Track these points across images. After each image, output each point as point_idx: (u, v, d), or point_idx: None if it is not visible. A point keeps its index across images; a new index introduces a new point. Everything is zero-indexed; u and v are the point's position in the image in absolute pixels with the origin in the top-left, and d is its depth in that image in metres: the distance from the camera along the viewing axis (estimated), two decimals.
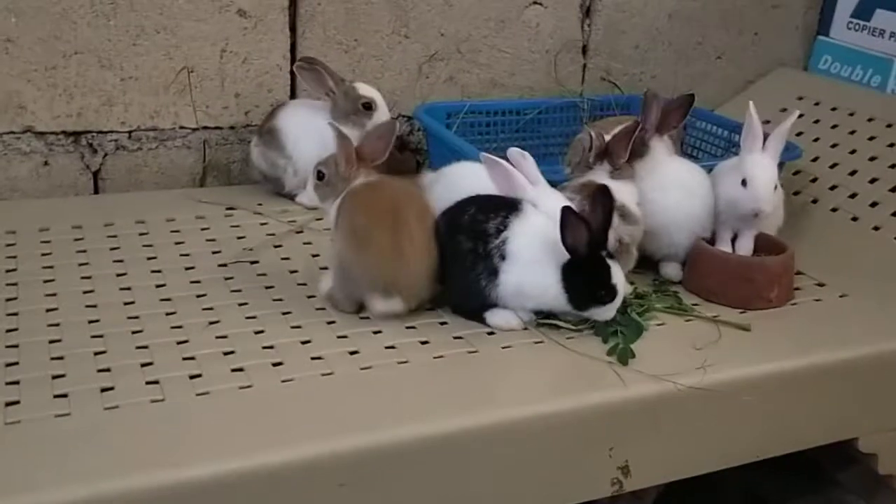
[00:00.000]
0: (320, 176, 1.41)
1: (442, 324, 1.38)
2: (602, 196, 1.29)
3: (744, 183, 1.51)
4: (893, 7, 2.19)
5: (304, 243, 1.64)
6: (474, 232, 1.32)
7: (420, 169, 2.11)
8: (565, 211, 1.25)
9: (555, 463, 1.20)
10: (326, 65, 1.78)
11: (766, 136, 1.57)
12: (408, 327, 1.35)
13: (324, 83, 1.78)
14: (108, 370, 1.19)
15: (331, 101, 1.79)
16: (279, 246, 1.63)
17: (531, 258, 1.30)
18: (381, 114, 1.79)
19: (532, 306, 1.35)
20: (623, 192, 1.46)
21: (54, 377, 1.16)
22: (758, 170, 1.50)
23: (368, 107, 1.79)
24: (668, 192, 1.54)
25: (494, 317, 1.36)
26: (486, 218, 1.33)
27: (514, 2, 2.06)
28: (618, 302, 1.32)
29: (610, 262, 1.30)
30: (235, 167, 1.93)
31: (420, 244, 1.33)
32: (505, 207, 1.34)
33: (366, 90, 1.80)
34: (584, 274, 1.29)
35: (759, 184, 1.49)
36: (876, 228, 1.76)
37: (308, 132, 1.76)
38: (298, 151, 1.77)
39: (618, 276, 1.30)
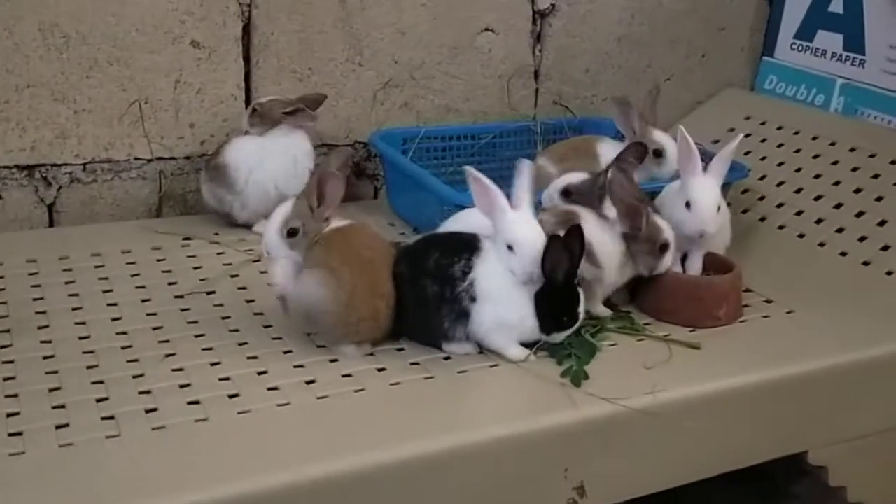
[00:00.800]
0: (292, 233, 1.37)
1: (399, 350, 1.39)
2: (578, 232, 1.32)
3: (688, 205, 1.55)
4: (834, 28, 2.26)
5: (261, 272, 1.65)
6: (441, 276, 1.34)
7: (377, 195, 2.14)
8: (552, 239, 1.28)
9: (512, 484, 1.21)
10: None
11: (711, 157, 1.62)
12: (365, 355, 1.37)
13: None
14: (62, 406, 1.18)
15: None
16: (236, 276, 1.63)
17: (505, 293, 1.32)
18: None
19: (515, 337, 1.36)
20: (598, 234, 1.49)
21: (9, 415, 1.16)
22: (699, 192, 1.55)
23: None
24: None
25: (451, 345, 1.37)
26: (450, 262, 1.34)
27: (467, 28, 2.10)
28: (575, 327, 1.36)
29: (579, 289, 1.34)
30: (191, 197, 1.94)
31: (389, 292, 1.36)
32: (466, 248, 1.35)
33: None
34: (556, 300, 1.32)
35: (702, 206, 1.54)
36: (821, 245, 1.81)
37: (260, 165, 1.78)
38: (250, 186, 1.79)
39: (582, 304, 1.35)
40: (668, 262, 1.52)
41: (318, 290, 1.33)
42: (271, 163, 1.78)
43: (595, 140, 1.97)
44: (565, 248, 1.29)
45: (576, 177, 1.60)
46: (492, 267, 1.34)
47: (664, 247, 1.50)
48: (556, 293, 1.32)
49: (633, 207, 1.47)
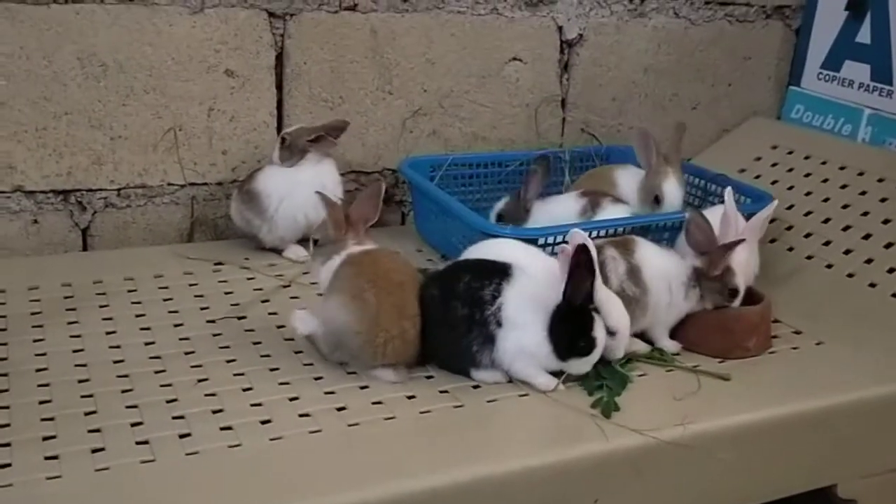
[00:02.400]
0: (315, 242, 1.49)
1: (428, 377, 1.40)
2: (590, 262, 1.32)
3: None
4: (862, 58, 2.26)
5: (292, 297, 1.67)
6: (471, 299, 1.35)
7: (404, 221, 2.16)
8: (575, 270, 1.29)
9: None
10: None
11: (735, 186, 1.63)
12: (402, 381, 1.38)
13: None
14: (98, 430, 1.20)
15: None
16: (266, 301, 1.65)
17: (526, 320, 1.33)
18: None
19: (538, 365, 1.36)
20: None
21: (45, 438, 1.18)
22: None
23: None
24: None
25: (480, 372, 1.38)
26: (480, 285, 1.36)
27: (494, 58, 2.12)
28: (594, 357, 1.34)
29: (595, 314, 1.33)
30: (222, 222, 1.96)
31: (416, 315, 1.37)
32: (497, 273, 1.37)
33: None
34: (569, 322, 1.32)
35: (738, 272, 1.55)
36: (850, 276, 1.80)
37: (290, 195, 1.81)
38: (280, 213, 1.81)
39: (599, 329, 1.33)
40: (735, 304, 1.54)
41: (344, 314, 1.36)
42: (301, 193, 1.80)
43: (614, 168, 1.99)
44: (590, 270, 1.30)
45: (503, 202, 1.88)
46: (520, 293, 1.35)
47: (734, 292, 1.53)
48: (570, 313, 1.32)
49: (717, 252, 1.51)
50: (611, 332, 1.37)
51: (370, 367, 1.37)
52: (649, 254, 1.52)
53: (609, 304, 1.37)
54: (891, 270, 1.77)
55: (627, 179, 1.94)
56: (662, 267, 1.51)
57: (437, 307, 1.39)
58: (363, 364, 1.37)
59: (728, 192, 1.59)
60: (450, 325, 1.37)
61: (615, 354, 1.41)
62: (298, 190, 1.82)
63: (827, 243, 1.91)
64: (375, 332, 1.34)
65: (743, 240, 1.53)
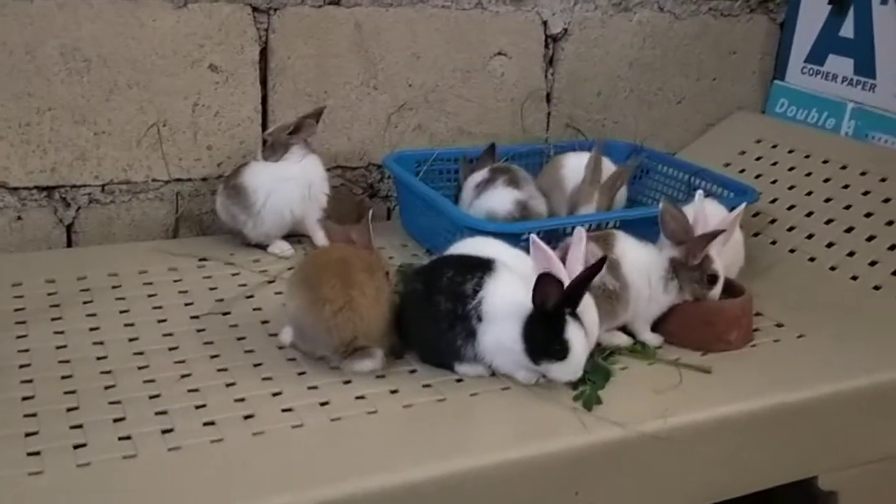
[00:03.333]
0: None
1: (411, 372, 1.41)
2: (598, 263, 1.32)
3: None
4: (845, 52, 2.27)
5: (276, 293, 1.66)
6: (453, 294, 1.35)
7: (390, 216, 2.16)
8: (541, 277, 1.27)
9: None
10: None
11: (719, 181, 1.63)
12: (377, 376, 1.38)
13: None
14: (80, 426, 1.20)
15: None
16: (251, 296, 1.65)
17: (505, 315, 1.33)
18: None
19: (518, 362, 1.35)
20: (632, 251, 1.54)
21: (27, 434, 1.18)
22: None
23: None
24: None
25: (463, 366, 1.39)
26: (463, 279, 1.36)
27: (480, 53, 2.12)
28: (574, 364, 1.30)
29: (571, 318, 1.30)
30: (207, 218, 1.96)
31: (371, 297, 1.36)
32: (480, 268, 1.37)
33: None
34: (542, 325, 1.30)
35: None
36: (832, 269, 1.82)
37: (276, 191, 1.81)
38: (266, 209, 1.81)
39: (575, 333, 1.30)
40: (717, 293, 1.54)
41: (292, 299, 1.40)
42: (287, 188, 1.81)
43: (566, 154, 2.03)
44: (556, 281, 1.28)
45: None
46: (501, 288, 1.35)
47: (713, 278, 1.53)
48: (543, 318, 1.30)
49: (694, 241, 1.51)
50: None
51: (341, 355, 1.36)
52: (628, 248, 1.52)
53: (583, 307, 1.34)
54: (872, 263, 1.79)
55: (573, 161, 1.97)
56: (641, 260, 1.52)
57: (420, 301, 1.39)
58: (329, 347, 1.36)
59: (699, 195, 1.58)
60: (433, 320, 1.37)
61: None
62: (284, 185, 1.82)
63: (810, 236, 1.92)
64: (321, 305, 1.34)
65: (723, 231, 1.53)
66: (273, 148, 1.83)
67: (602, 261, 1.33)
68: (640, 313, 1.52)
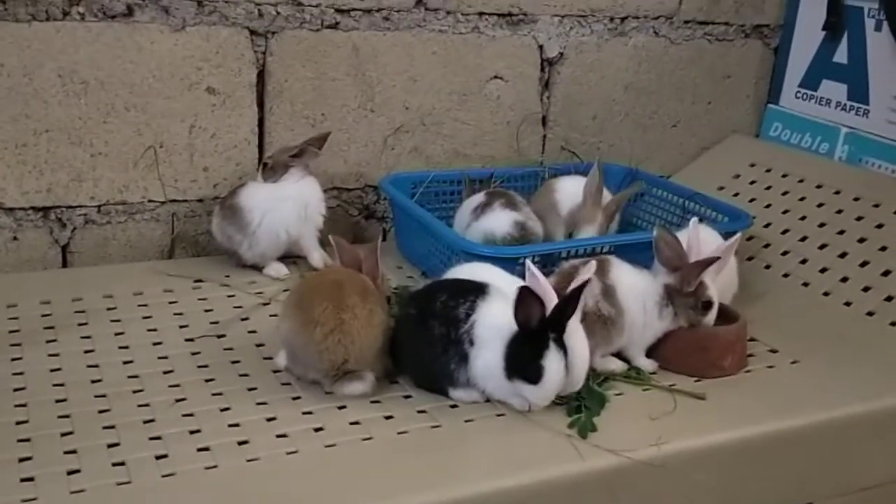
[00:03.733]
0: None
1: (406, 397, 1.41)
2: (579, 288, 1.33)
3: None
4: (839, 78, 2.29)
5: (271, 315, 1.67)
6: (447, 318, 1.35)
7: (385, 237, 2.16)
8: (522, 290, 1.28)
9: None
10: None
11: (712, 204, 1.64)
12: (372, 402, 1.38)
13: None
14: (74, 451, 1.20)
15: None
16: (246, 319, 1.65)
17: (494, 338, 1.33)
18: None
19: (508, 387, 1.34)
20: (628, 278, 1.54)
21: (21, 460, 1.18)
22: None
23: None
24: None
25: (457, 391, 1.39)
26: (456, 303, 1.36)
27: (476, 76, 2.13)
28: (546, 390, 1.30)
29: (554, 345, 1.29)
30: (203, 239, 1.96)
31: (364, 319, 1.37)
32: (473, 292, 1.37)
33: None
34: (523, 345, 1.29)
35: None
36: (826, 294, 1.83)
37: (273, 211, 1.81)
38: (262, 229, 1.81)
39: (553, 360, 1.29)
40: (711, 319, 1.53)
41: (285, 321, 1.40)
42: (284, 209, 1.82)
43: (559, 178, 2.05)
44: (536, 298, 1.28)
45: None
46: (493, 312, 1.35)
47: (707, 304, 1.52)
48: (525, 337, 1.30)
49: (689, 268, 1.51)
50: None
51: (331, 378, 1.36)
52: (623, 274, 1.52)
53: (572, 337, 1.34)
54: (865, 289, 1.79)
55: (564, 185, 1.99)
56: (637, 286, 1.52)
57: (414, 326, 1.39)
58: (320, 370, 1.37)
59: (693, 221, 1.58)
60: (427, 344, 1.37)
61: (569, 388, 1.36)
62: (281, 206, 1.82)
63: (803, 261, 1.93)
64: (312, 328, 1.35)
65: (718, 258, 1.54)
66: (273, 169, 1.84)
67: (583, 285, 1.33)
68: (635, 339, 1.52)
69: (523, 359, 1.30)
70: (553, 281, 1.49)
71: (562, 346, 1.30)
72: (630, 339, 1.52)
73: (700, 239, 1.56)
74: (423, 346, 1.38)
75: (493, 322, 1.33)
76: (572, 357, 1.32)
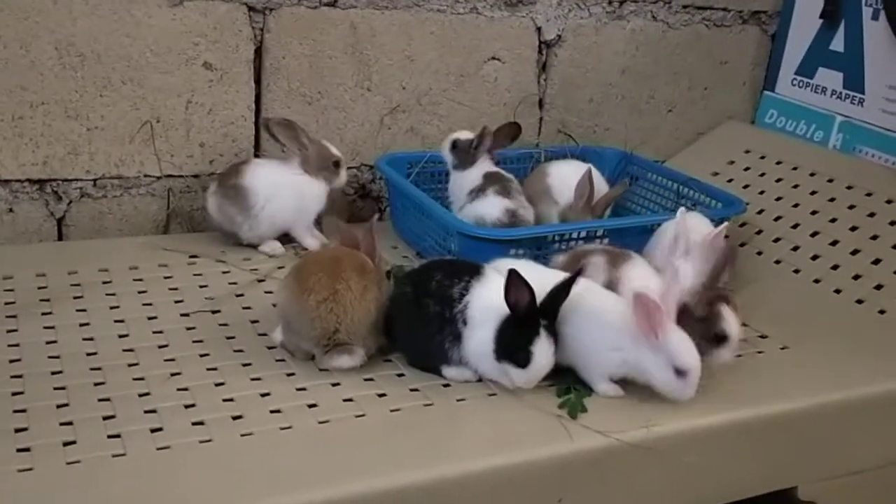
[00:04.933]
0: None
1: (399, 375, 1.42)
2: (571, 279, 1.33)
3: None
4: (835, 66, 2.30)
5: (266, 292, 1.67)
6: (441, 297, 1.37)
7: (381, 216, 2.17)
8: (511, 273, 1.29)
9: None
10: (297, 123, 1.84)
11: (706, 189, 1.64)
12: (366, 379, 1.39)
13: (297, 139, 1.82)
14: (70, 423, 1.21)
15: (300, 156, 1.83)
16: (241, 295, 1.66)
17: (487, 319, 1.34)
18: (343, 173, 1.89)
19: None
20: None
21: (17, 430, 1.19)
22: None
23: (337, 165, 1.86)
24: None
25: (450, 370, 1.40)
26: (451, 283, 1.38)
27: (473, 57, 2.13)
28: (533, 374, 1.32)
29: (545, 332, 1.31)
30: (199, 214, 1.97)
31: (357, 292, 1.38)
32: (468, 272, 1.39)
33: (335, 150, 1.87)
34: (515, 329, 1.31)
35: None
36: (816, 281, 1.84)
37: (277, 196, 1.80)
38: (265, 212, 1.80)
39: (542, 348, 1.30)
40: (724, 357, 1.42)
41: (282, 292, 1.42)
42: (286, 195, 1.81)
43: (552, 162, 2.07)
44: (525, 283, 1.28)
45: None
46: (487, 293, 1.36)
47: (720, 338, 1.41)
48: (516, 322, 1.31)
49: (703, 292, 1.41)
50: (679, 372, 1.31)
51: (322, 348, 1.37)
52: (636, 273, 1.47)
53: (679, 344, 1.30)
54: (856, 277, 1.81)
55: (559, 170, 2.00)
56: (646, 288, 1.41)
57: (409, 304, 1.41)
58: (311, 338, 1.38)
59: (681, 211, 1.58)
60: (422, 322, 1.39)
61: (682, 396, 1.33)
62: (285, 192, 1.82)
63: (795, 248, 1.94)
64: (305, 296, 1.36)
65: (729, 292, 1.44)
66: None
67: (576, 275, 1.33)
68: None
69: (514, 343, 1.31)
70: (562, 261, 1.50)
71: (552, 334, 1.32)
72: None
73: (689, 227, 1.56)
74: (417, 324, 1.40)
75: (487, 303, 1.35)
76: (681, 363, 1.30)
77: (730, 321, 1.42)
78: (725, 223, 1.64)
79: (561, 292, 1.32)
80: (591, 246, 1.58)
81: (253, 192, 1.79)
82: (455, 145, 1.95)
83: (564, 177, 1.97)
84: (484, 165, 1.93)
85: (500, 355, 1.33)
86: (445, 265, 1.45)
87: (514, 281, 1.28)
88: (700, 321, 1.41)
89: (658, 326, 1.30)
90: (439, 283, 1.39)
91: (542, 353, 1.31)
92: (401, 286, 1.46)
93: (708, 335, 1.40)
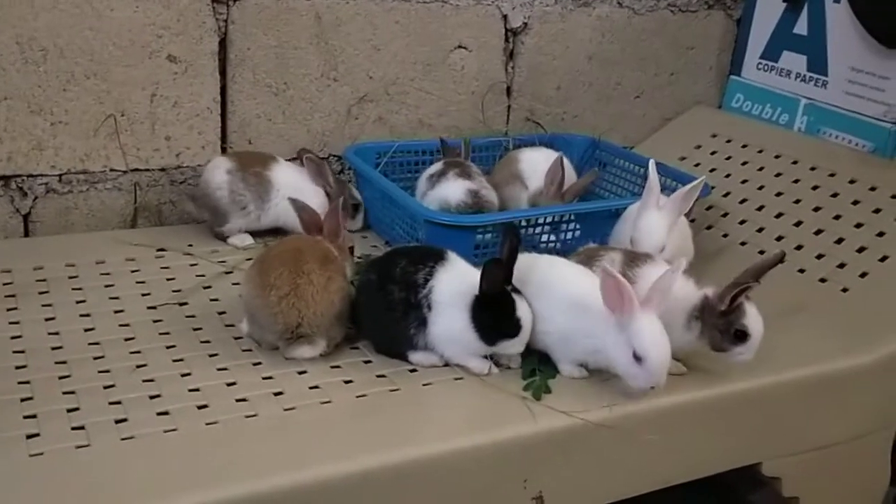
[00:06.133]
0: None
1: (366, 362, 1.43)
2: (513, 234, 1.36)
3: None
4: (799, 49, 2.31)
5: (234, 284, 1.67)
6: (406, 283, 1.38)
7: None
8: (488, 264, 1.31)
9: (472, 494, 1.25)
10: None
11: (675, 176, 1.66)
12: (332, 367, 1.40)
13: (324, 177, 1.88)
14: (34, 416, 1.21)
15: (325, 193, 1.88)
16: (208, 287, 1.66)
17: (453, 305, 1.36)
18: (360, 218, 1.98)
19: (469, 351, 1.38)
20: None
21: None
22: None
23: (357, 208, 1.96)
24: None
25: (416, 354, 1.41)
26: (415, 269, 1.39)
27: (440, 45, 2.14)
28: (524, 336, 1.36)
29: (515, 296, 1.35)
30: (166, 208, 1.96)
31: (320, 285, 1.38)
32: (432, 258, 1.40)
33: (357, 194, 1.97)
34: (492, 309, 1.34)
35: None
36: (781, 261, 1.86)
37: (300, 195, 1.75)
38: (274, 205, 1.84)
39: (523, 309, 1.35)
40: (743, 356, 1.39)
41: (246, 286, 1.44)
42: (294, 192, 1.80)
43: (523, 150, 2.09)
44: (500, 266, 1.32)
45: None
46: (450, 278, 1.38)
47: (740, 335, 1.38)
48: (490, 301, 1.34)
49: (727, 287, 1.38)
50: (636, 357, 1.29)
51: (286, 341, 1.38)
52: (652, 272, 1.42)
53: (643, 328, 1.28)
54: (819, 256, 1.84)
55: (530, 156, 2.03)
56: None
57: (374, 291, 1.41)
58: (275, 332, 1.39)
59: (651, 163, 1.63)
60: (386, 309, 1.40)
61: (637, 383, 1.30)
62: (297, 189, 1.81)
63: (760, 230, 1.97)
64: (268, 292, 1.37)
65: (756, 283, 1.40)
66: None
67: (515, 232, 1.35)
68: None
69: (501, 319, 1.34)
70: (574, 260, 1.49)
71: (518, 292, 1.36)
72: None
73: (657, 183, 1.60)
74: (383, 310, 1.40)
75: (450, 287, 1.36)
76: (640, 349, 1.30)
77: (752, 317, 1.38)
78: (701, 178, 1.67)
79: (513, 254, 1.35)
80: (601, 247, 1.56)
81: (277, 186, 1.84)
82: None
83: (535, 163, 1.99)
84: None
85: (491, 338, 1.35)
86: (409, 251, 1.46)
87: (492, 266, 1.31)
88: (722, 315, 1.38)
89: (625, 305, 1.29)
90: (403, 269, 1.40)
91: (526, 314, 1.35)
92: (365, 274, 1.47)
93: (728, 331, 1.38)
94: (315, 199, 1.82)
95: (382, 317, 1.40)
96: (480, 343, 1.36)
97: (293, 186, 1.83)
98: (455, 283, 1.36)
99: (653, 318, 1.30)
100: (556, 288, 1.40)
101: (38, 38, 1.76)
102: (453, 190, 1.83)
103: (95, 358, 1.38)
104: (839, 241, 1.85)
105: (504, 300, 1.34)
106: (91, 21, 1.79)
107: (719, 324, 1.38)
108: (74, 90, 1.82)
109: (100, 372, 1.34)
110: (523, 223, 1.74)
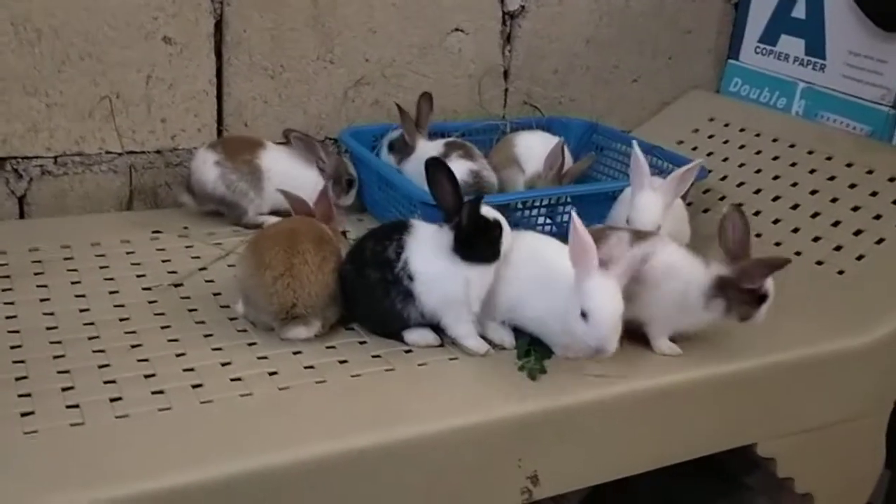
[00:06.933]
0: None
1: (361, 343, 1.43)
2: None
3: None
4: (797, 33, 2.31)
5: (230, 266, 1.67)
6: (378, 263, 1.38)
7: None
8: (429, 162, 1.35)
9: (467, 473, 1.25)
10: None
11: (672, 159, 1.65)
12: (328, 347, 1.40)
13: (315, 153, 1.87)
14: (28, 395, 1.21)
15: (318, 169, 1.88)
16: (204, 269, 1.66)
17: (441, 268, 1.36)
18: (353, 193, 1.96)
19: (469, 316, 1.38)
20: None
21: None
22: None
23: (350, 184, 1.93)
24: None
25: (412, 334, 1.41)
26: (383, 246, 1.39)
27: (437, 28, 2.13)
28: (505, 242, 1.39)
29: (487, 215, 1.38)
30: (162, 191, 1.96)
31: (314, 265, 1.38)
32: (395, 230, 1.41)
33: (352, 169, 1.95)
34: (471, 236, 1.35)
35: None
36: (777, 244, 1.87)
37: (292, 179, 1.78)
38: (269, 193, 1.82)
39: (507, 237, 1.39)
40: (764, 313, 1.42)
41: (241, 265, 1.44)
42: (285, 177, 1.81)
43: (519, 133, 2.08)
44: (445, 168, 1.36)
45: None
46: (423, 244, 1.38)
47: (763, 297, 1.40)
48: (467, 230, 1.35)
49: (754, 265, 1.39)
50: (582, 314, 1.27)
51: (280, 321, 1.38)
52: (666, 254, 1.41)
53: (594, 287, 1.27)
54: (816, 239, 1.84)
55: (526, 140, 2.02)
56: (674, 268, 1.41)
57: (355, 280, 1.42)
58: (270, 313, 1.39)
59: (635, 144, 1.63)
60: (369, 292, 1.40)
61: (585, 339, 1.28)
62: (290, 178, 1.81)
63: (757, 213, 1.96)
64: (262, 272, 1.37)
65: (788, 260, 1.42)
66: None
67: (478, 199, 1.36)
68: (659, 320, 1.44)
69: (483, 246, 1.36)
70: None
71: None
72: (651, 317, 1.43)
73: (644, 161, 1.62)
74: (367, 296, 1.40)
75: (428, 251, 1.37)
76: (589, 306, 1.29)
77: (770, 280, 1.43)
78: (698, 161, 1.67)
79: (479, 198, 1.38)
80: (611, 230, 1.52)
81: (268, 173, 1.83)
82: (392, 146, 1.99)
83: (532, 146, 1.99)
84: (432, 142, 1.95)
85: (471, 258, 1.36)
86: (374, 232, 1.46)
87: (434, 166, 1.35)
88: (749, 291, 1.40)
89: (585, 264, 1.28)
90: (373, 250, 1.40)
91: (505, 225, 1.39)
92: (343, 265, 1.46)
93: (752, 298, 1.41)
94: (307, 180, 1.82)
95: (368, 301, 1.40)
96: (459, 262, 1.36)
97: (283, 171, 1.83)
98: (430, 246, 1.37)
99: (609, 280, 1.28)
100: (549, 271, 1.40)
101: (32, 18, 1.75)
102: (455, 170, 1.83)
103: (90, 338, 1.38)
104: (836, 223, 1.85)
105: (486, 223, 1.36)
106: (86, 2, 1.78)
107: (746, 298, 1.41)
108: (69, 71, 1.81)
109: (94, 351, 1.34)
110: (519, 205, 1.74)
